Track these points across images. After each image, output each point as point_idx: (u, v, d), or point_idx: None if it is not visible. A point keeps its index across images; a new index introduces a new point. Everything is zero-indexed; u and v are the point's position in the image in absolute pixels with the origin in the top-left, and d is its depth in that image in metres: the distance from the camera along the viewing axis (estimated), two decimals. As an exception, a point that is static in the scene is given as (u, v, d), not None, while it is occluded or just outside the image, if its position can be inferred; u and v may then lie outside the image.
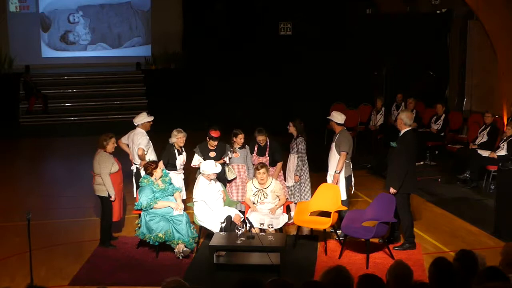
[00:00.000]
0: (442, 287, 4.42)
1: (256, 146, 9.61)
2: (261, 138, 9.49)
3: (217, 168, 8.66)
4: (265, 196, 8.80)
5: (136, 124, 9.60)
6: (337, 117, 9.15)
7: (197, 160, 9.22)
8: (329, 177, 9.18)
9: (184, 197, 9.19)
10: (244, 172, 9.45)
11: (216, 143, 9.25)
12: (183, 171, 9.51)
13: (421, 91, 15.58)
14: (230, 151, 9.32)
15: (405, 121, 8.47)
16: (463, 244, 8.37)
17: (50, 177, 13.67)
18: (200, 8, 18.81)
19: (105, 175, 8.40)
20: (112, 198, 8.51)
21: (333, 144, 9.05)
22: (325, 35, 16.90)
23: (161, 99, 18.67)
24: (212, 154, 9.27)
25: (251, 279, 4.16)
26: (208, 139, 9.24)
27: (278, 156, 9.54)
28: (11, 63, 19.99)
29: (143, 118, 9.54)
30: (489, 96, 14.79)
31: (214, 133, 9.20)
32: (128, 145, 9.68)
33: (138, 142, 9.34)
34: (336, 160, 8.99)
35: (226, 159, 9.22)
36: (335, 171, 8.99)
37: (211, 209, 8.52)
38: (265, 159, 9.50)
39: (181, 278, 4.65)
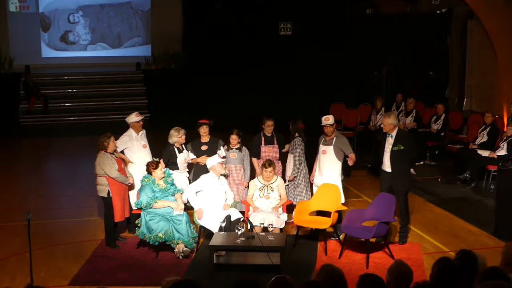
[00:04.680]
0: (444, 287, 4.42)
1: (262, 138, 9.66)
2: (270, 123, 9.58)
3: (220, 158, 8.64)
4: (272, 189, 8.83)
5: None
6: (332, 119, 9.06)
7: (191, 155, 9.41)
8: (322, 181, 9.07)
9: (185, 200, 9.17)
10: (241, 173, 9.46)
11: (204, 131, 9.42)
12: (187, 170, 9.51)
13: (421, 91, 15.58)
14: (223, 146, 9.36)
15: (395, 123, 8.53)
16: (463, 244, 8.36)
17: (50, 177, 13.68)
18: (200, 8, 18.81)
19: (112, 174, 8.42)
20: (131, 181, 8.77)
21: (331, 147, 8.95)
22: (325, 35, 16.90)
23: (161, 99, 18.69)
24: (204, 147, 9.44)
25: (249, 280, 4.17)
26: (198, 129, 9.46)
27: (282, 147, 9.77)
28: (11, 63, 19.98)
29: (130, 118, 9.47)
30: (489, 96, 14.80)
31: (203, 120, 9.44)
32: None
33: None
34: (334, 163, 8.97)
35: (219, 153, 9.23)
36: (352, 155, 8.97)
37: (210, 205, 8.51)
38: (275, 148, 9.63)
39: (181, 278, 4.65)
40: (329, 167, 9.01)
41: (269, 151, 9.58)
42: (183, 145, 9.41)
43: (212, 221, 8.46)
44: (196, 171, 9.41)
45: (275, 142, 9.67)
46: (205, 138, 9.51)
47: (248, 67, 16.92)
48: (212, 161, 8.67)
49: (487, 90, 14.99)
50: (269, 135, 9.68)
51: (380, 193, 8.69)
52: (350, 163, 9.01)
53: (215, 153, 9.26)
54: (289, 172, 9.54)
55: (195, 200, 8.58)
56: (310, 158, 9.63)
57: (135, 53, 21.65)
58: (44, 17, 21.47)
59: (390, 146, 8.51)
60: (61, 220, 10.04)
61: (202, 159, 9.29)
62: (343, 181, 9.16)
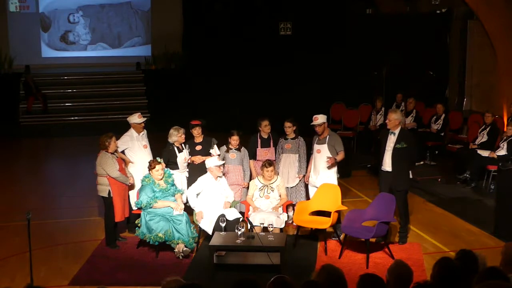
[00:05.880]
0: (444, 287, 4.43)
1: (259, 140, 9.64)
2: (266, 123, 9.56)
3: (220, 161, 8.67)
4: (272, 190, 8.83)
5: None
6: (324, 117, 9.06)
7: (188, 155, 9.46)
8: (318, 180, 9.08)
9: (185, 200, 9.15)
10: (240, 174, 9.44)
11: (198, 132, 9.45)
12: (187, 169, 9.51)
13: (421, 91, 15.58)
14: (216, 144, 9.38)
15: (401, 120, 8.55)
16: (463, 244, 8.36)
17: (50, 177, 13.67)
18: (200, 8, 18.81)
19: (113, 174, 8.41)
20: (131, 182, 8.75)
21: (325, 146, 8.98)
22: (325, 35, 16.90)
23: (161, 99, 18.68)
24: (198, 147, 9.46)
25: (249, 280, 4.17)
26: (191, 130, 9.46)
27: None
28: (11, 63, 19.98)
29: (132, 119, 9.47)
30: (489, 96, 14.81)
31: (194, 121, 9.47)
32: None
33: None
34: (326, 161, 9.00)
35: (213, 152, 9.21)
36: (335, 158, 8.91)
37: (207, 206, 8.52)
38: (271, 150, 9.59)
39: (181, 278, 4.65)
40: (325, 166, 9.01)
41: (265, 154, 9.54)
42: (183, 145, 9.42)
43: (208, 222, 8.46)
44: (191, 170, 9.43)
45: (271, 145, 9.64)
46: (198, 139, 9.53)
47: (248, 67, 16.92)
48: (210, 163, 8.67)
49: (487, 90, 15.00)
50: (266, 137, 9.65)
51: (380, 193, 8.69)
52: (328, 162, 8.88)
53: (209, 152, 9.26)
54: (292, 173, 9.48)
55: (196, 203, 8.60)
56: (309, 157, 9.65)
57: (135, 53, 21.64)
58: (44, 17, 21.46)
59: (392, 144, 8.50)
60: (61, 220, 10.04)
61: (196, 159, 9.30)
62: (338, 179, 9.16)
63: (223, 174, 9.00)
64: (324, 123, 9.03)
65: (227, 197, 8.78)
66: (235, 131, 9.40)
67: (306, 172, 9.44)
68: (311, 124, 9.04)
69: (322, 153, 9.02)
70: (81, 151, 14.87)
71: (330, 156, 8.95)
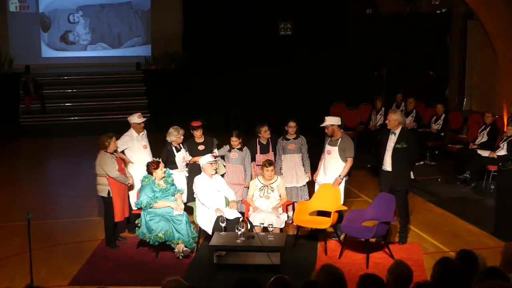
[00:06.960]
0: (444, 287, 4.43)
1: (258, 146, 9.62)
2: (265, 129, 9.53)
3: (211, 158, 8.70)
4: (272, 190, 8.83)
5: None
6: (335, 120, 9.02)
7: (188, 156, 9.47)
8: (325, 180, 9.05)
9: (185, 200, 9.15)
10: (241, 174, 9.43)
11: (200, 133, 9.47)
12: (186, 169, 9.51)
13: (421, 91, 15.59)
14: (217, 144, 9.36)
15: (400, 120, 8.52)
16: (463, 244, 8.36)
17: (50, 177, 13.68)
18: (200, 8, 18.81)
19: (113, 174, 8.41)
20: (131, 182, 8.73)
21: (335, 148, 8.91)
22: (325, 35, 16.91)
23: (161, 99, 18.69)
24: (201, 147, 9.49)
25: (249, 279, 4.17)
26: (191, 131, 9.49)
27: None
28: (11, 63, 19.99)
29: (132, 119, 9.47)
30: (489, 96, 14.81)
31: (195, 123, 9.47)
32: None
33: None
34: (338, 164, 8.91)
35: (215, 152, 9.22)
36: (339, 176, 8.87)
37: (208, 208, 8.52)
38: (270, 156, 9.57)
39: (181, 278, 4.65)
40: (333, 168, 8.97)
41: (264, 160, 9.51)
42: (180, 144, 9.43)
43: (208, 221, 8.46)
44: (190, 170, 9.45)
45: (270, 150, 9.63)
46: (200, 139, 9.56)
47: (248, 67, 16.92)
48: (203, 161, 8.68)
49: (487, 90, 15.01)
50: (265, 143, 9.64)
51: (380, 193, 8.69)
52: (333, 185, 8.87)
53: (211, 152, 9.27)
54: (300, 172, 9.47)
55: (208, 203, 8.57)
56: (312, 157, 9.65)
57: (135, 53, 21.65)
58: (44, 17, 21.46)
59: (393, 144, 8.49)
60: (61, 220, 10.04)
61: (198, 159, 9.30)
62: (346, 182, 9.13)
63: (223, 174, 8.99)
64: (332, 125, 8.93)
65: (229, 196, 8.79)
66: (235, 131, 9.40)
67: (310, 170, 9.48)
68: (320, 125, 9.04)
69: (332, 155, 8.97)
70: (81, 151, 14.87)
71: (339, 159, 8.89)
